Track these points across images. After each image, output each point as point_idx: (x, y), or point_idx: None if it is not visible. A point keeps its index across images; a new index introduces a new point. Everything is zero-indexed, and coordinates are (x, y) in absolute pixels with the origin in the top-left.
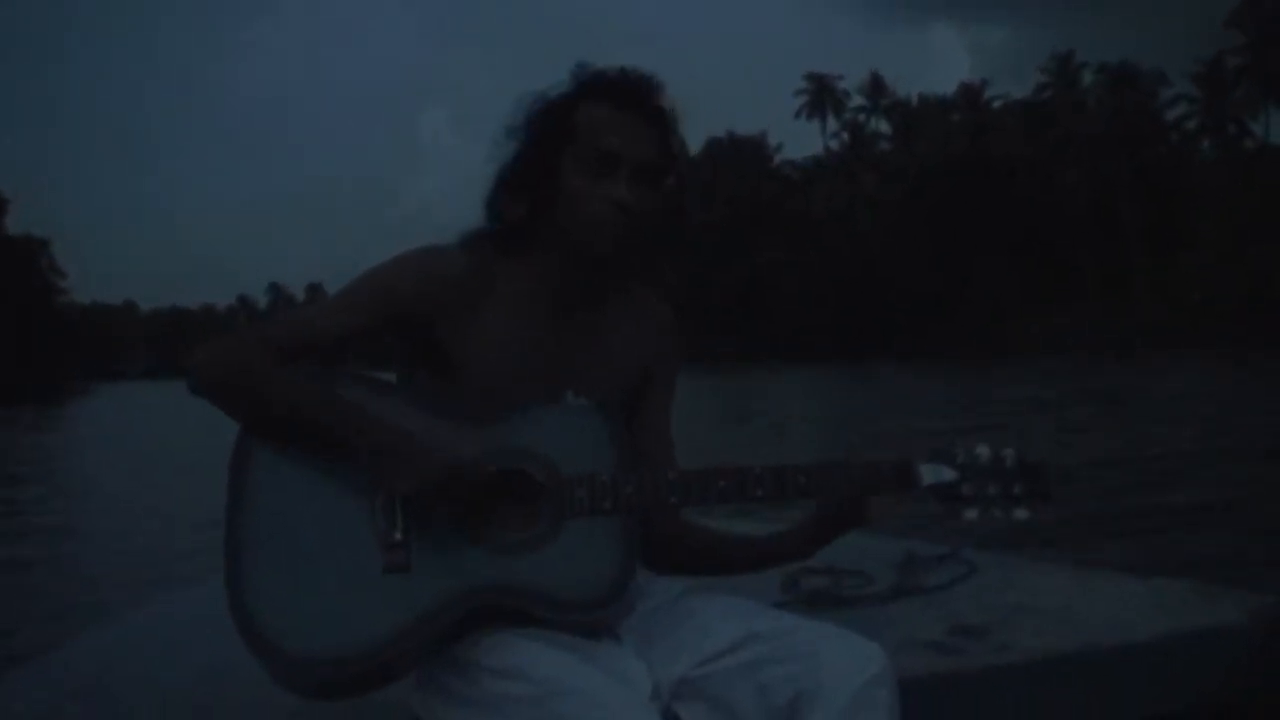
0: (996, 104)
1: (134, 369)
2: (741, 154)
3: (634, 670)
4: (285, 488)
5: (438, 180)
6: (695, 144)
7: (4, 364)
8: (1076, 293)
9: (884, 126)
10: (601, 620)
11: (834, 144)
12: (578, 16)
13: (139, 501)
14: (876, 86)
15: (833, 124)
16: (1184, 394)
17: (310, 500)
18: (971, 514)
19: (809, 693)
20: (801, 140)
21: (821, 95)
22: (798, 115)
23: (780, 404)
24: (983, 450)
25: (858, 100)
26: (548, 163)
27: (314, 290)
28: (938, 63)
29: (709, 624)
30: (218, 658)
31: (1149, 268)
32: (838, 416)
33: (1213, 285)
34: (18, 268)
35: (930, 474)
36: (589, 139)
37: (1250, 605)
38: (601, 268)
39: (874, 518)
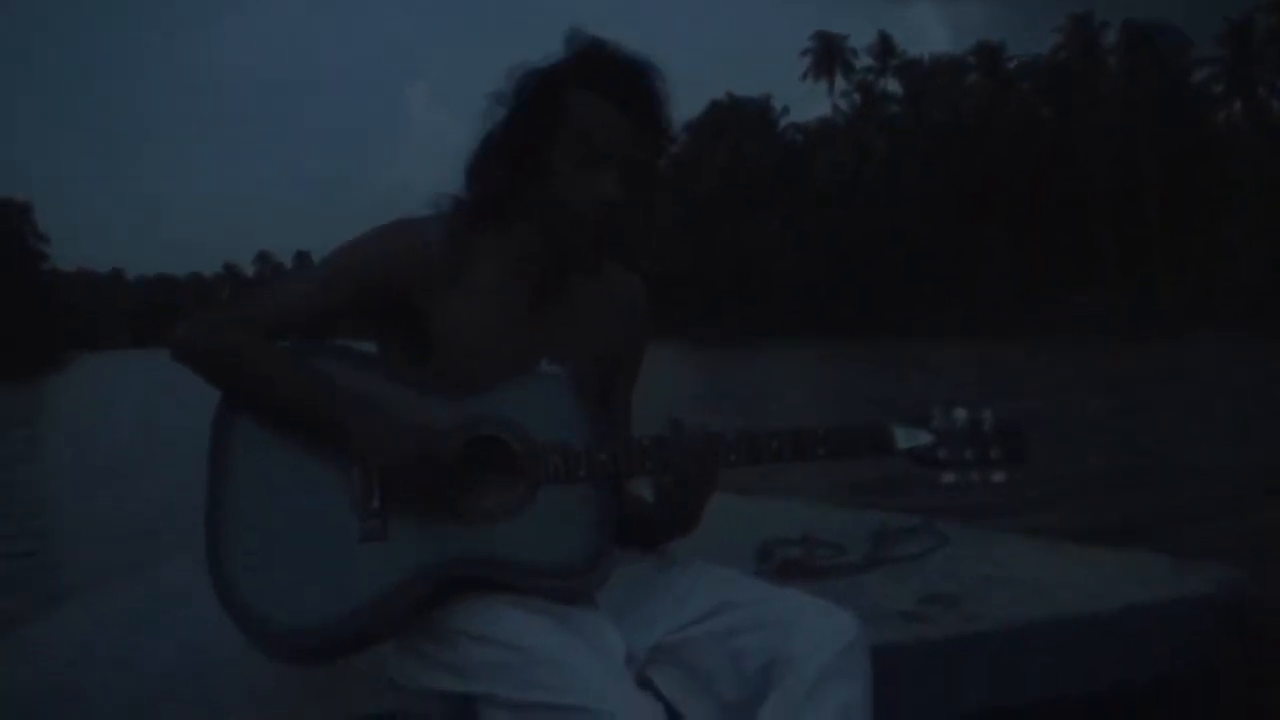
0: (1013, 64)
1: (119, 339)
2: (744, 117)
3: (609, 637)
4: (265, 459)
5: (421, 152)
6: (695, 109)
7: None
8: (1095, 268)
9: (894, 88)
10: (578, 587)
11: (843, 104)
12: None
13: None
14: (885, 47)
15: (841, 84)
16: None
17: (289, 471)
18: (949, 478)
19: (782, 660)
20: (798, 107)
21: (829, 54)
22: (804, 76)
23: (781, 383)
24: (959, 413)
25: (865, 61)
26: (535, 140)
27: (301, 257)
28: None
29: (684, 592)
30: (198, 630)
31: (1173, 242)
32: (843, 401)
33: (1243, 261)
34: None
35: (905, 438)
36: (581, 129)
37: (1219, 577)
38: (576, 259)
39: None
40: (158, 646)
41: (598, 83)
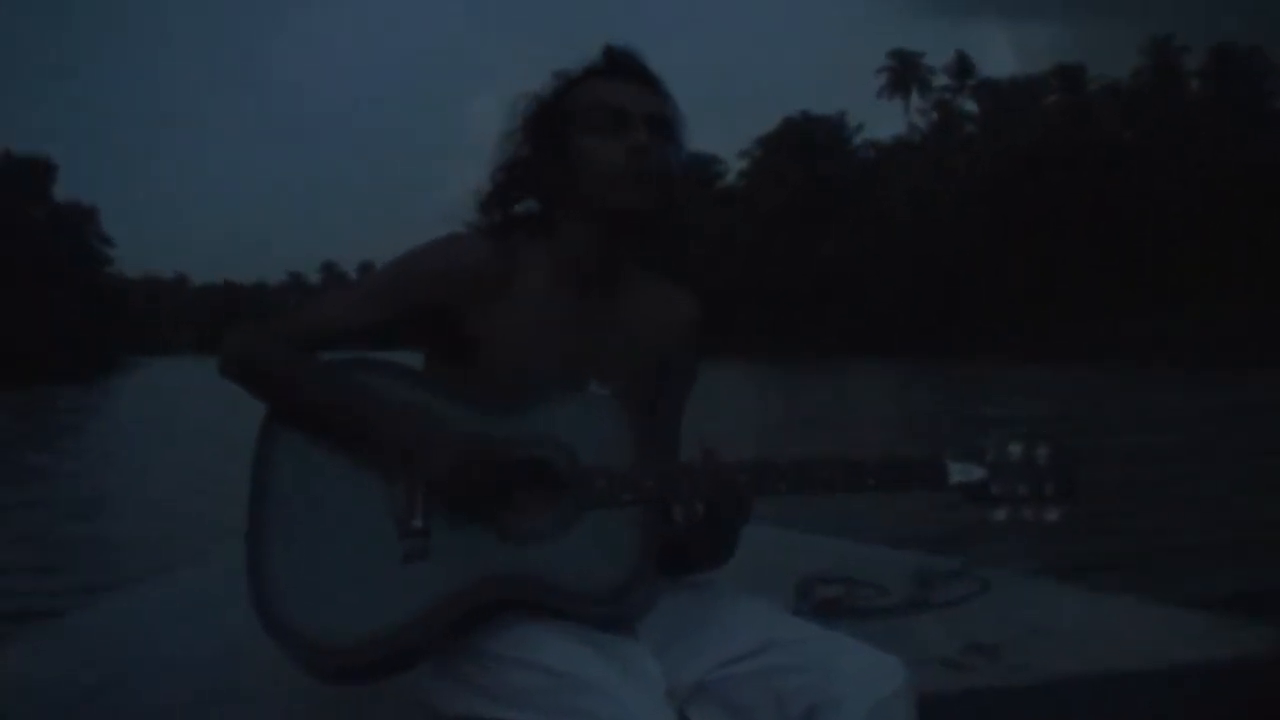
0: (1093, 87)
1: (182, 343)
2: (817, 133)
3: (650, 668)
4: (308, 474)
5: (485, 166)
6: (769, 125)
7: (46, 336)
8: (1172, 293)
9: (971, 107)
10: (619, 613)
11: (920, 122)
12: (631, 4)
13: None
14: (963, 66)
15: (917, 101)
16: None
17: (332, 487)
18: (1000, 515)
19: (826, 704)
20: (872, 125)
21: (906, 72)
22: (879, 94)
23: (852, 404)
24: (1015, 448)
25: (942, 80)
26: (555, 146)
27: (366, 268)
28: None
29: (728, 628)
30: (228, 633)
31: (1258, 269)
32: (918, 425)
33: None
34: (65, 236)
35: (959, 472)
36: (593, 105)
37: (1269, 639)
38: (629, 224)
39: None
40: (191, 645)
41: (593, 72)
